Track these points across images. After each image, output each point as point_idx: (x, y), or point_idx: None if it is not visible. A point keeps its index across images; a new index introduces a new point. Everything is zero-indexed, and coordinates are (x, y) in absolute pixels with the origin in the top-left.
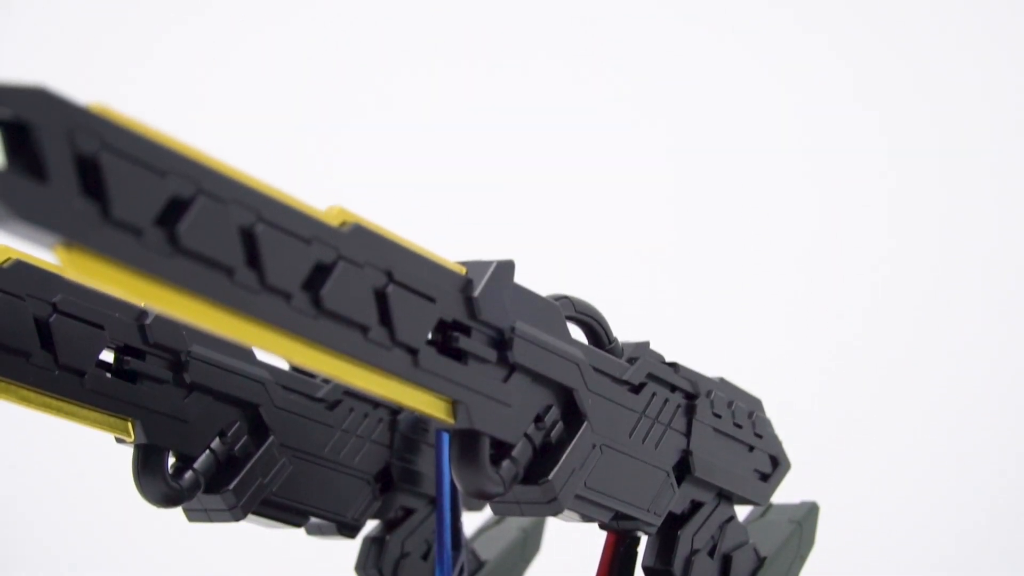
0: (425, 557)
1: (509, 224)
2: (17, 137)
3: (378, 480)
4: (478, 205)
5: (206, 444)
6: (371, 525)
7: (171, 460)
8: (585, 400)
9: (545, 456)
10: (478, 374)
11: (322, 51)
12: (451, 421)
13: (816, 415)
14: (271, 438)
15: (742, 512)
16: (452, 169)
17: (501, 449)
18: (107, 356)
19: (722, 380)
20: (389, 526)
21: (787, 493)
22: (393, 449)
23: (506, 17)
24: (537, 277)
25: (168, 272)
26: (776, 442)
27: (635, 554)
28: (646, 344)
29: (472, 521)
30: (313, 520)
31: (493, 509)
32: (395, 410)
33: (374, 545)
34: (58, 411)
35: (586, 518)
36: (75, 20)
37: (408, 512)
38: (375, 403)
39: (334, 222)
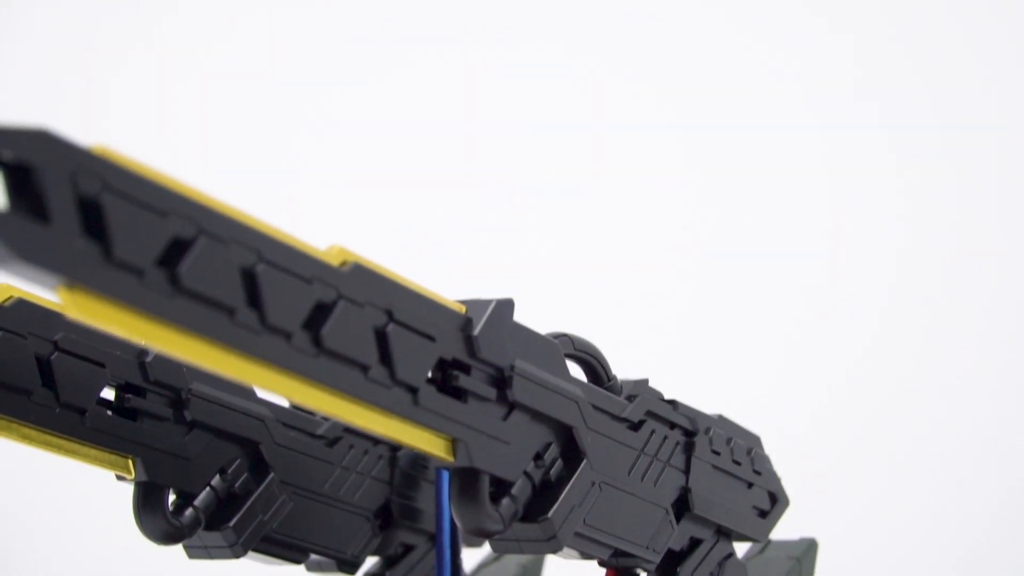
0: None
1: (507, 261)
2: (19, 179)
3: (378, 516)
4: (475, 236)
5: (206, 481)
6: (371, 562)
7: (171, 497)
8: (584, 438)
9: (544, 494)
10: (478, 412)
11: (315, 80)
12: (451, 459)
13: (815, 451)
14: (271, 475)
15: (741, 549)
16: (449, 202)
17: (501, 487)
18: (108, 394)
19: (721, 417)
20: (389, 563)
21: (786, 529)
22: (393, 486)
23: (505, 36)
24: (536, 312)
25: (170, 313)
26: (775, 478)
27: None
28: (645, 381)
29: (471, 558)
30: (313, 557)
31: (492, 546)
32: (395, 447)
33: None
34: (59, 449)
35: (585, 555)
36: (66, 21)
37: (408, 549)
38: (375, 440)
39: (334, 261)
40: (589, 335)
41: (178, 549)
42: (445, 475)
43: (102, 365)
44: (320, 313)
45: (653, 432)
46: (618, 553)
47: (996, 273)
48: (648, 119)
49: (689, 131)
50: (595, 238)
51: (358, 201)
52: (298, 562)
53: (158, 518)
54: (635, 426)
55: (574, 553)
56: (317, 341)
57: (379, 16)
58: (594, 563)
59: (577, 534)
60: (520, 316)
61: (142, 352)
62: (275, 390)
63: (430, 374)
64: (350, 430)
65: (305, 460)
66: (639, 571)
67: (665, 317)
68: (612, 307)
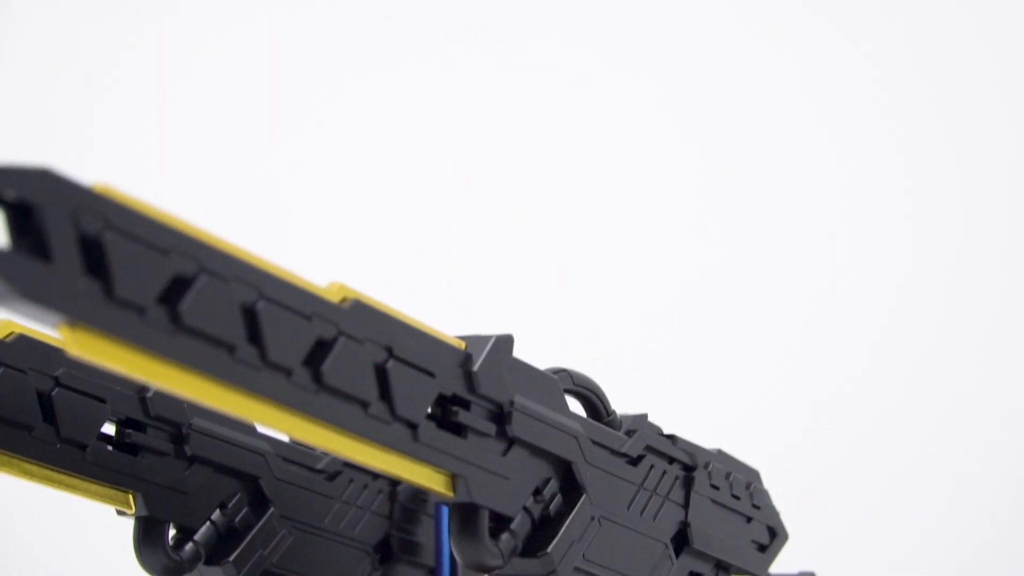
0: None
1: (506, 295)
2: (21, 217)
3: (378, 551)
4: (474, 271)
5: (207, 516)
6: None
7: (172, 532)
8: (584, 473)
9: (544, 529)
10: (477, 448)
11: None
12: (450, 494)
13: (814, 486)
14: (271, 509)
15: None
16: (447, 233)
17: (500, 522)
18: (108, 429)
19: (720, 451)
20: None
21: (785, 563)
22: (393, 520)
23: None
24: (536, 348)
25: (171, 350)
26: (774, 513)
27: None
28: (644, 416)
29: None
30: None
31: None
32: (395, 481)
33: None
34: (60, 484)
35: None
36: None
37: None
38: (374, 474)
39: (334, 298)
40: (591, 339)
41: None
42: (445, 510)
43: (103, 400)
44: (320, 350)
45: (652, 467)
46: None
47: (997, 310)
48: (649, 128)
49: (692, 140)
50: (595, 264)
51: (355, 229)
52: None
53: (159, 553)
54: (634, 461)
55: None
56: (317, 377)
57: (376, 31)
58: None
59: (576, 569)
60: (519, 348)
61: (143, 388)
62: (275, 426)
63: (430, 410)
64: (350, 465)
65: (305, 494)
66: None
67: (666, 351)
68: (613, 339)
